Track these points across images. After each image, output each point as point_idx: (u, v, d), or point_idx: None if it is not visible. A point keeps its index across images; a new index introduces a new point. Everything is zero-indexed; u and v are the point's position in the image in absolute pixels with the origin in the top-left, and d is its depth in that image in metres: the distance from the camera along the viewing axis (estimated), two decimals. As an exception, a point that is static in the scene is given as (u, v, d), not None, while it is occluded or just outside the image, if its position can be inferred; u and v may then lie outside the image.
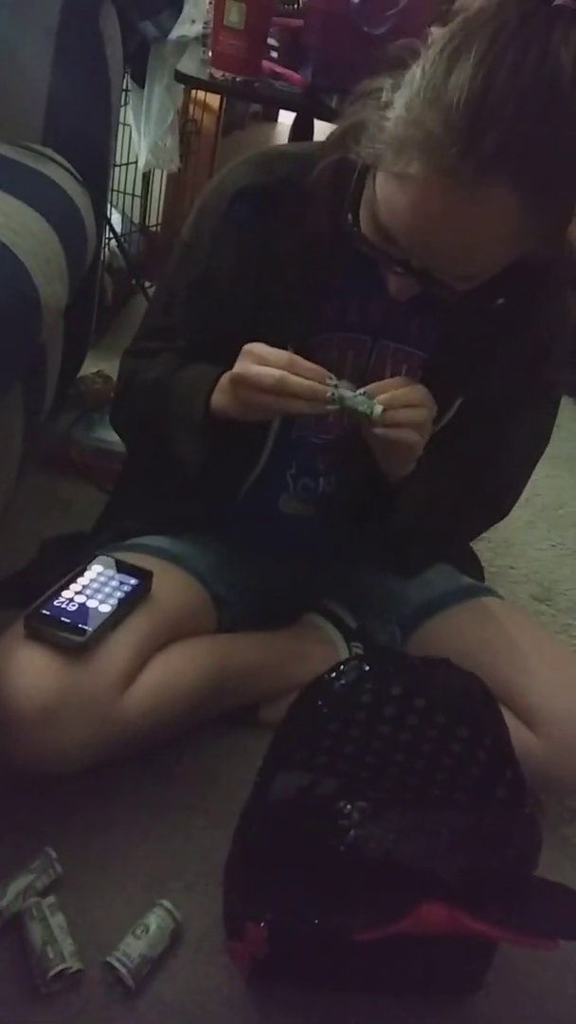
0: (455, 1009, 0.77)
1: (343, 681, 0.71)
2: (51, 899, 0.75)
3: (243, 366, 0.77)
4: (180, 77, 1.48)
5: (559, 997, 0.81)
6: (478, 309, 0.76)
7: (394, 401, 0.76)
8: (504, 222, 0.65)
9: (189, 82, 1.51)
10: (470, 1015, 0.77)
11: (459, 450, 0.88)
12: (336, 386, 0.75)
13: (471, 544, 1.16)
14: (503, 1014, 0.78)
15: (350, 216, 0.75)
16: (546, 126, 0.61)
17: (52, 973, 0.70)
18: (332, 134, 0.79)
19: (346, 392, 0.76)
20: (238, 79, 1.40)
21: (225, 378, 0.82)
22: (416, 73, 0.64)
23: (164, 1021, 0.71)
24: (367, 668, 0.71)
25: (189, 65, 1.50)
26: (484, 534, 1.20)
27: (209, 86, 1.53)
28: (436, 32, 0.65)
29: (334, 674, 0.71)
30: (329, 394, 0.74)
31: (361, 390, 0.77)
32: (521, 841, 0.68)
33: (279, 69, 1.46)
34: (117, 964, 0.72)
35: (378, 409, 0.75)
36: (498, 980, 0.79)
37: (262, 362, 0.75)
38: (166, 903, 0.77)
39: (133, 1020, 0.71)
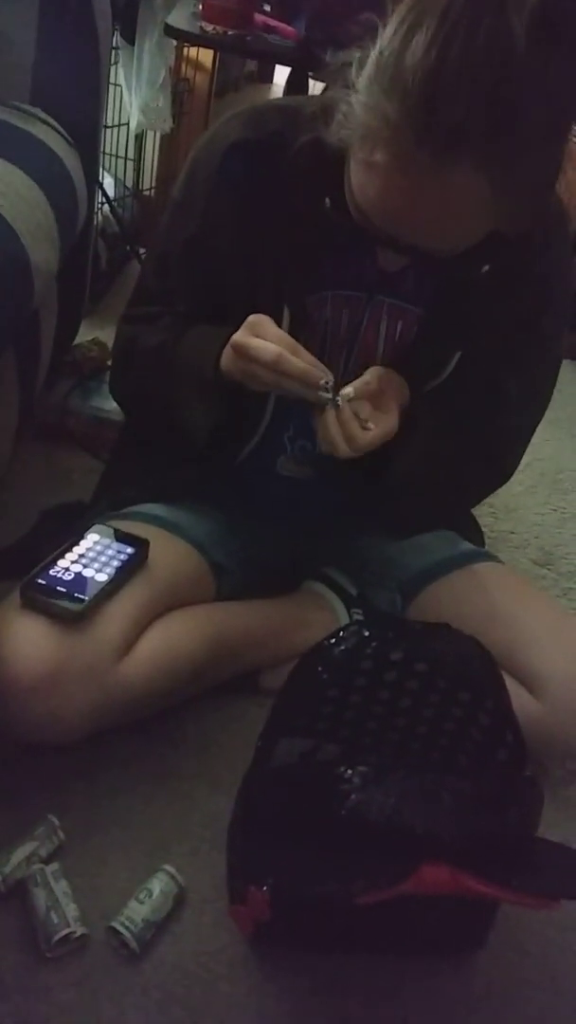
0: (457, 969, 0.78)
1: (343, 647, 0.70)
2: (55, 865, 0.76)
3: (244, 337, 0.76)
4: (170, 31, 1.44)
5: (561, 956, 0.81)
6: (468, 274, 0.77)
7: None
8: (473, 199, 0.64)
9: (179, 36, 1.47)
10: (472, 975, 0.78)
11: (458, 405, 0.87)
12: (327, 383, 0.76)
13: (472, 510, 1.15)
14: (505, 973, 0.79)
15: (328, 201, 0.75)
16: (501, 103, 0.59)
17: (57, 938, 0.71)
18: (308, 105, 0.76)
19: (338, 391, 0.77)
20: (229, 33, 1.36)
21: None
22: (373, 54, 0.63)
23: (168, 984, 0.72)
24: (367, 634, 0.71)
25: (179, 19, 1.46)
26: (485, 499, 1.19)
27: (200, 40, 1.49)
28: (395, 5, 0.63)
29: (334, 640, 0.71)
30: (323, 381, 0.75)
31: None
32: (522, 803, 0.68)
33: (272, 22, 1.42)
34: (121, 928, 0.73)
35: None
36: (500, 939, 0.79)
37: (265, 337, 0.75)
38: (169, 868, 0.78)
39: (138, 983, 0.72)
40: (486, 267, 0.76)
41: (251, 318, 0.77)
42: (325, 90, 0.75)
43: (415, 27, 0.60)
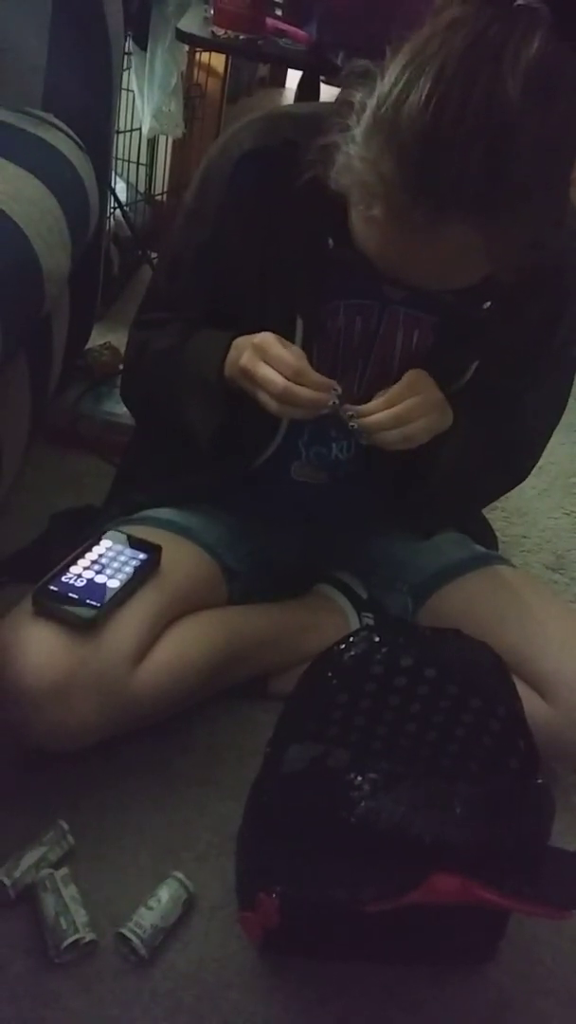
0: (468, 979, 0.77)
1: (353, 652, 0.70)
2: (64, 871, 0.76)
3: (252, 363, 0.77)
4: (182, 36, 1.44)
5: (573, 966, 0.80)
6: (470, 312, 0.79)
7: (379, 426, 0.78)
8: (470, 251, 0.64)
9: (191, 40, 1.47)
10: (483, 985, 0.77)
11: (476, 412, 0.86)
12: (339, 396, 0.77)
13: (484, 513, 1.14)
14: (516, 983, 0.78)
15: (331, 241, 0.77)
16: (497, 163, 0.59)
17: (66, 943, 0.70)
18: (320, 112, 0.75)
19: (342, 410, 0.78)
20: (241, 37, 1.36)
21: (235, 353, 0.81)
22: (371, 104, 0.63)
23: (177, 990, 0.72)
24: (377, 639, 0.70)
25: (191, 24, 1.46)
26: (497, 503, 1.19)
27: (211, 44, 1.49)
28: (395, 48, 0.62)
29: (344, 645, 0.70)
30: (330, 403, 0.77)
31: (356, 412, 0.78)
32: (534, 811, 0.68)
33: (283, 26, 1.42)
34: (130, 934, 0.72)
35: (363, 434, 0.79)
36: (511, 950, 0.79)
37: (270, 362, 0.76)
38: (178, 874, 0.77)
39: (147, 989, 0.71)
40: (488, 304, 0.77)
41: (257, 340, 0.78)
42: (339, 96, 0.75)
43: (411, 83, 0.59)
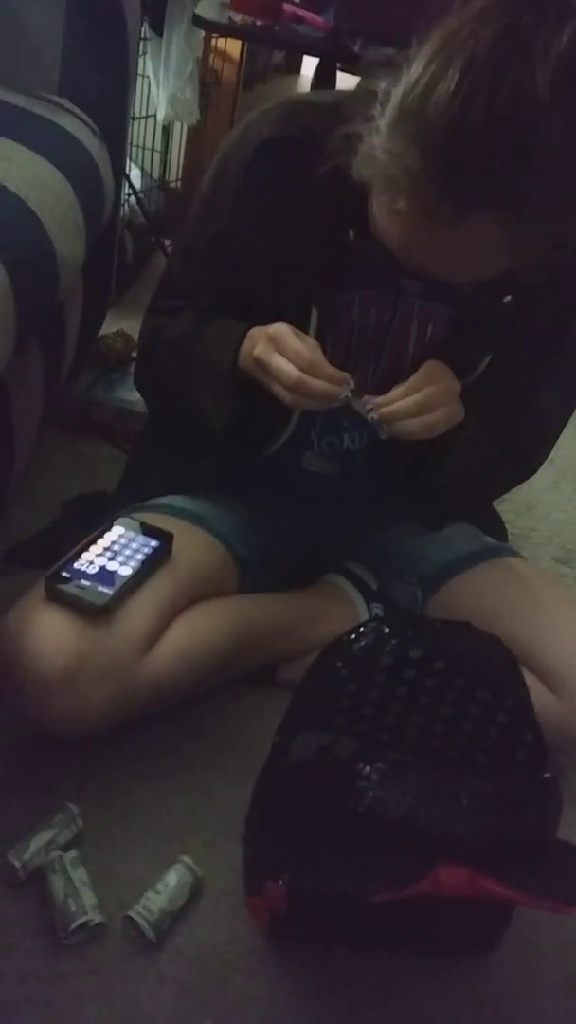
0: (471, 968, 0.78)
1: (362, 643, 0.70)
2: (73, 853, 0.76)
3: (266, 354, 0.77)
4: (198, 22, 1.43)
5: (575, 960, 0.81)
6: (490, 305, 0.78)
7: (399, 415, 0.77)
8: (492, 245, 0.64)
9: (207, 27, 1.46)
10: (486, 975, 0.78)
11: (487, 406, 0.86)
12: (352, 391, 0.77)
13: (494, 505, 1.14)
14: (519, 974, 0.79)
15: (352, 233, 0.77)
16: (524, 159, 0.58)
17: (74, 925, 0.71)
18: (339, 101, 0.75)
19: (355, 403, 0.78)
20: (258, 23, 1.35)
21: (249, 343, 0.81)
22: (397, 94, 0.62)
23: (184, 973, 0.73)
24: (387, 631, 0.70)
25: (208, 10, 1.45)
26: (506, 495, 1.18)
27: (228, 31, 1.48)
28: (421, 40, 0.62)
29: (354, 636, 0.71)
30: (343, 396, 0.77)
31: (374, 403, 0.78)
32: (541, 804, 0.68)
33: (301, 12, 1.41)
34: (138, 918, 0.73)
35: (383, 426, 0.78)
36: (515, 939, 0.79)
37: (285, 354, 0.76)
38: (186, 859, 0.78)
39: (154, 972, 0.72)
40: (508, 297, 0.77)
41: (272, 330, 0.78)
42: (359, 85, 0.74)
43: (439, 74, 0.59)
